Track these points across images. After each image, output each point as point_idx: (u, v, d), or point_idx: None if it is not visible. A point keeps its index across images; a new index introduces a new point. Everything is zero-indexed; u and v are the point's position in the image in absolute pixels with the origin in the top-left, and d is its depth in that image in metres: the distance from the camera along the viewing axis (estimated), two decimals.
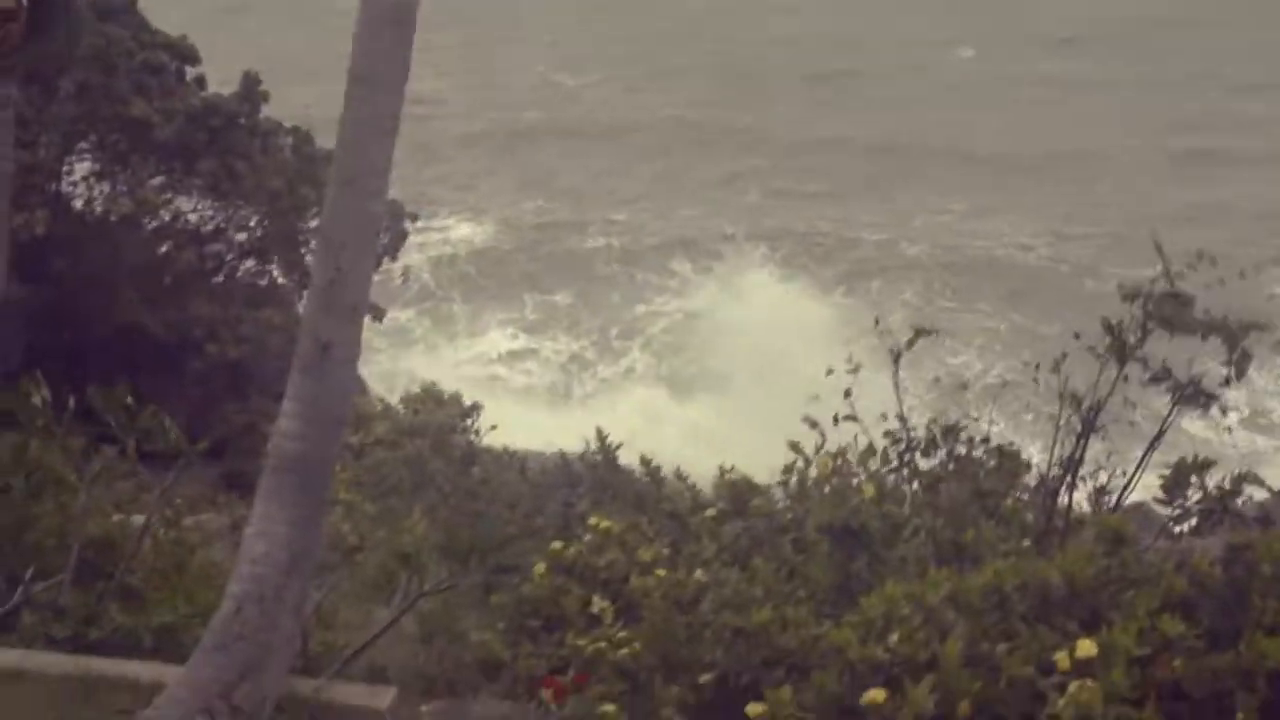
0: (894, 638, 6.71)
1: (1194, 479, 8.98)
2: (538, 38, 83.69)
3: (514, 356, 44.00)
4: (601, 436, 13.41)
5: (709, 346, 43.11)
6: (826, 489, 9.35)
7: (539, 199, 57.78)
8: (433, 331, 44.99)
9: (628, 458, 12.93)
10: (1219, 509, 8.78)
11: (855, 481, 9.46)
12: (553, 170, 61.49)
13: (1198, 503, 8.93)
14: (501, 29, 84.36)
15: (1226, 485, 8.88)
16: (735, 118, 67.49)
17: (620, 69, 77.74)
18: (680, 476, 11.56)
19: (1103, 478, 9.37)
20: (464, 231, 53.37)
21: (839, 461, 9.57)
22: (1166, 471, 9.01)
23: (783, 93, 71.47)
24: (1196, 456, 9.08)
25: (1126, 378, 9.17)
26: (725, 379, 40.60)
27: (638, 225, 54.29)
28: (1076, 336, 9.39)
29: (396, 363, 39.25)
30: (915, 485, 9.44)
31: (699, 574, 8.45)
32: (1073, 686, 6.29)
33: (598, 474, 13.43)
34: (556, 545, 9.60)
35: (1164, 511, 9.07)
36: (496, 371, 42.70)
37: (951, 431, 9.67)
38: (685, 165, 61.66)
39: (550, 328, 45.90)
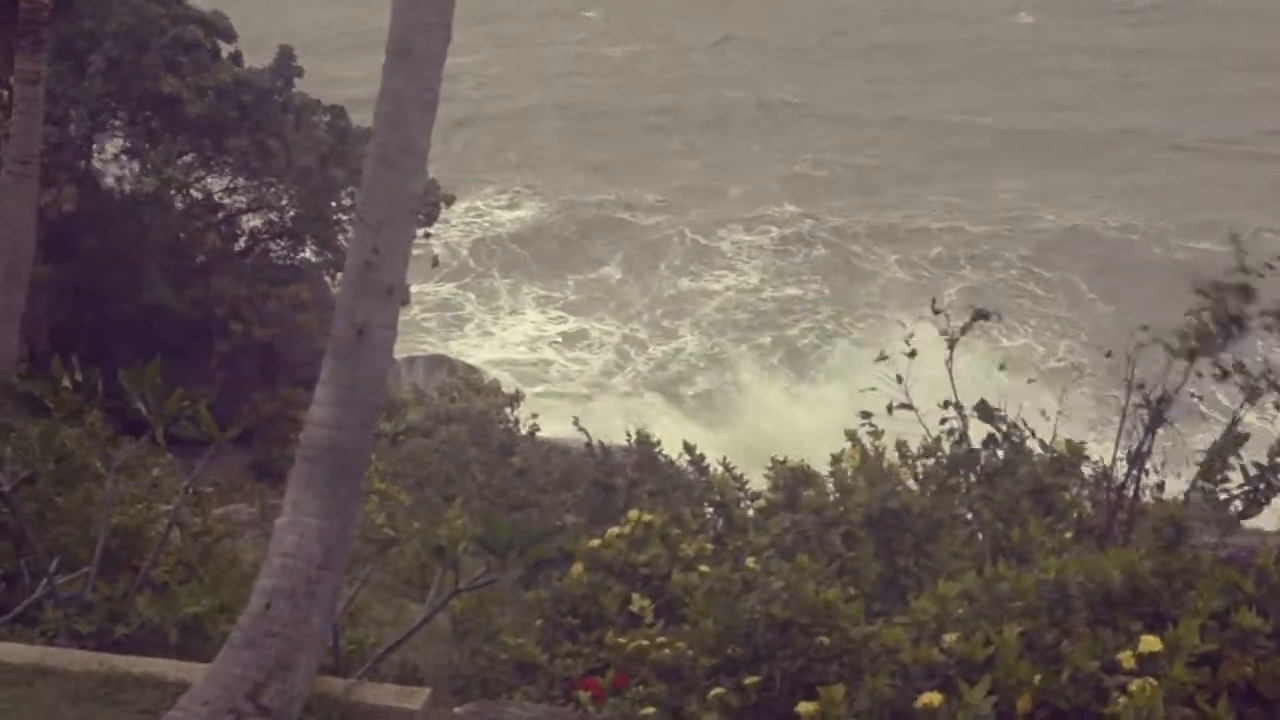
0: (949, 638, 6.69)
1: (1233, 459, 8.97)
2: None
3: (566, 339, 43.77)
4: (640, 431, 13.41)
5: (759, 325, 43.09)
6: (862, 479, 9.34)
7: (587, 175, 57.75)
8: (479, 311, 44.99)
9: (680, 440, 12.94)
10: (1264, 488, 8.73)
11: (891, 467, 9.45)
12: (600, 144, 61.46)
13: (1241, 485, 8.90)
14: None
15: (1266, 462, 8.84)
16: (788, 92, 67.23)
17: (666, 41, 77.57)
18: (727, 466, 11.52)
19: (1167, 473, 9.33)
20: (509, 211, 53.30)
21: (881, 451, 9.55)
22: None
23: (838, 66, 71.03)
24: (1234, 432, 9.05)
25: (1200, 374, 9.11)
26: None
27: (689, 201, 54.16)
28: (1145, 329, 9.30)
29: (445, 346, 39.31)
30: (971, 478, 9.39)
31: (750, 561, 8.43)
32: (1135, 685, 6.27)
33: (639, 464, 13.42)
34: (594, 541, 9.61)
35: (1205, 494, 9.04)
36: (544, 355, 42.55)
37: (1008, 424, 9.62)
38: (738, 140, 61.46)
39: (597, 309, 45.78)
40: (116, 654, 8.24)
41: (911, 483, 9.02)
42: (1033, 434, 9.48)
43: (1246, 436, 9.07)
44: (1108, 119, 61.48)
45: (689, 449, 12.45)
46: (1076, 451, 9.41)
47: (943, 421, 9.55)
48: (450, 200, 29.57)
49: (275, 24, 49.48)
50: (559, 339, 43.58)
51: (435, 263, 33.61)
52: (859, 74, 70.21)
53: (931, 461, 9.58)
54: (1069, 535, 8.44)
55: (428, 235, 28.66)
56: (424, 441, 20.17)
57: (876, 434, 9.86)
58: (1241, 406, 8.97)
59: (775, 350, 42.11)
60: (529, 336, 43.51)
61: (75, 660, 8.02)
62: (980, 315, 9.89)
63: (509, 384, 31.99)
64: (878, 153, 59.11)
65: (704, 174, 57.48)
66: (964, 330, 9.74)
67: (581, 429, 14.70)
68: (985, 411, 9.44)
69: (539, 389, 37.48)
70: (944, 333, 9.68)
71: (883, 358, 9.81)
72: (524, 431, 22.41)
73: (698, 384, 40.26)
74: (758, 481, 11.03)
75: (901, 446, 9.65)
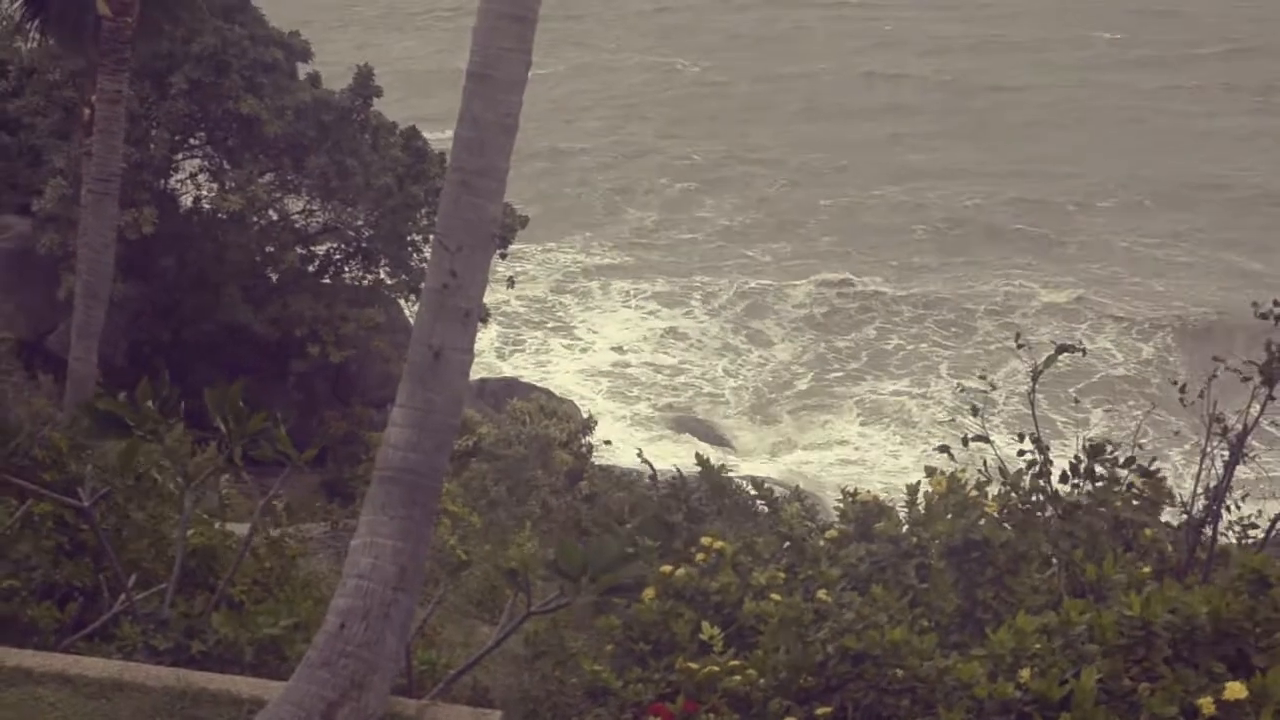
0: (1025, 674, 6.64)
1: None
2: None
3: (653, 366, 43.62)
4: (703, 459, 13.37)
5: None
6: (946, 509, 9.25)
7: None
8: (554, 336, 44.96)
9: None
10: None
11: (973, 499, 9.36)
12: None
13: None
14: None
15: None
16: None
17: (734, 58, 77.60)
18: (799, 496, 11.48)
19: (1248, 508, 9.19)
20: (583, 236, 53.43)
21: (961, 483, 9.47)
22: None
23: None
24: None
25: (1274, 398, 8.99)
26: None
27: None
28: (1218, 360, 9.19)
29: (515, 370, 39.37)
30: (1050, 512, 9.28)
31: (822, 593, 8.39)
32: None
33: (709, 492, 13.37)
34: (666, 567, 9.58)
35: None
36: (618, 378, 42.40)
37: (1096, 453, 9.48)
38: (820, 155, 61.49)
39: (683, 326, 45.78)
40: (193, 670, 8.31)
41: (994, 514, 8.90)
42: (1120, 465, 9.35)
43: None
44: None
45: (757, 484, 12.42)
46: (1159, 488, 9.28)
47: (1021, 454, 9.44)
48: (525, 222, 29.63)
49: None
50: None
51: (511, 283, 33.66)
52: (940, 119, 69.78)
53: (1012, 494, 9.45)
54: (1148, 570, 8.33)
55: (503, 256, 28.69)
56: (493, 464, 20.22)
57: (957, 468, 9.75)
58: None
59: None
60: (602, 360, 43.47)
61: (152, 676, 8.09)
62: (1063, 349, 9.78)
63: (597, 404, 32.09)
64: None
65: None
66: (1048, 363, 9.62)
67: (646, 461, 14.69)
68: (1095, 450, 9.29)
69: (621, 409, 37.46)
70: (1033, 367, 9.55)
71: (962, 389, 9.75)
72: (594, 456, 22.43)
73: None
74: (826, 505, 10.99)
75: (981, 479, 9.54)
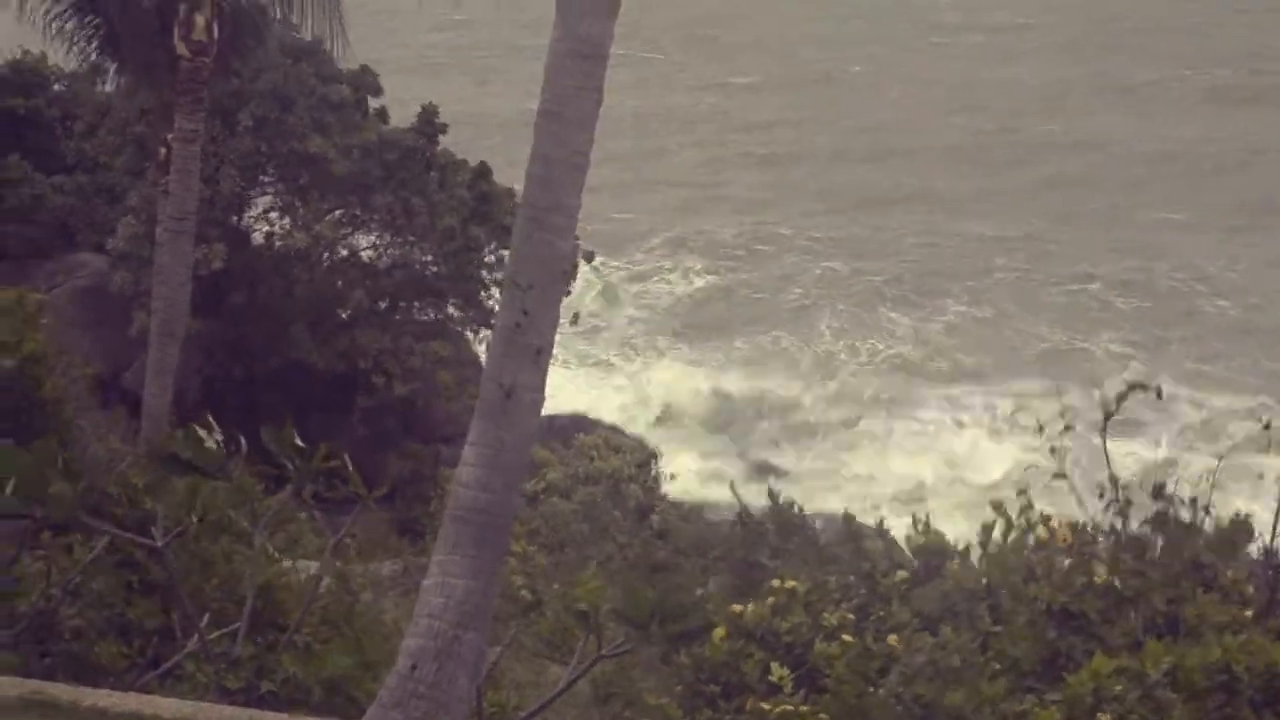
0: (1104, 718, 6.59)
1: None
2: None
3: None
4: (774, 494, 13.31)
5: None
6: (1039, 565, 9.17)
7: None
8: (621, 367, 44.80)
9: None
10: None
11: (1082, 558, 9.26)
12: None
13: None
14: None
15: None
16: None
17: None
18: (881, 533, 11.39)
19: None
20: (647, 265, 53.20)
21: (1051, 529, 9.39)
22: None
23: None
24: None
25: None
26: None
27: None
28: None
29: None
30: (1126, 554, 9.20)
31: (892, 639, 8.36)
32: None
33: (778, 532, 13.33)
34: (736, 607, 9.56)
35: None
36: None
37: (1162, 495, 9.42)
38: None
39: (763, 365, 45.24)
40: (265, 710, 8.34)
41: (1102, 573, 8.76)
42: (1205, 510, 9.25)
43: None
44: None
45: (849, 519, 12.35)
46: (1242, 527, 9.19)
47: (1101, 495, 9.37)
48: (591, 257, 29.64)
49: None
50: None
51: (575, 319, 33.65)
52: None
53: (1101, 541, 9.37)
54: (1245, 613, 8.24)
55: (568, 294, 28.69)
56: (563, 502, 20.23)
57: (1028, 507, 9.69)
58: None
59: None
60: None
61: (225, 715, 8.09)
62: (1136, 387, 9.72)
63: (662, 440, 31.96)
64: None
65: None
66: (1120, 402, 9.57)
67: (737, 496, 14.64)
68: (1158, 491, 9.22)
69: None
70: (1105, 409, 9.50)
71: (1040, 429, 9.70)
72: (662, 492, 22.38)
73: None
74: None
75: (1081, 531, 9.41)
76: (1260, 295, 49.22)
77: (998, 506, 9.99)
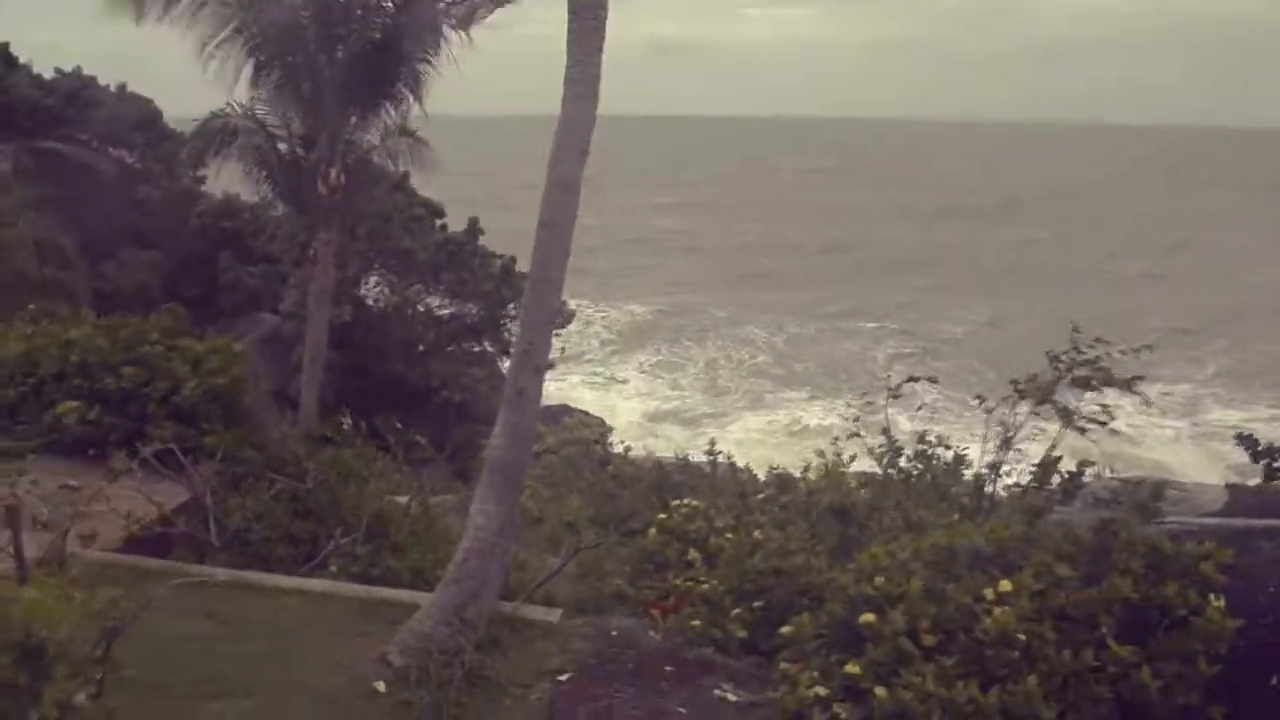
0: (879, 579, 6.63)
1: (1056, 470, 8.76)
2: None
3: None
4: (683, 455, 13.38)
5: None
6: (824, 483, 9.22)
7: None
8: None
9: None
10: (1072, 488, 8.51)
11: (845, 475, 9.32)
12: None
13: (1059, 485, 8.68)
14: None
15: (1072, 471, 8.61)
16: None
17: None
18: (748, 470, 11.37)
19: (1015, 475, 9.13)
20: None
21: (836, 461, 9.41)
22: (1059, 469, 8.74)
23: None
24: (1051, 454, 8.81)
25: (1037, 413, 8.88)
26: None
27: None
28: (1013, 384, 9.04)
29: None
30: (896, 477, 9.25)
31: (757, 534, 8.39)
32: (996, 611, 6.18)
33: (687, 472, 13.38)
34: (662, 516, 9.58)
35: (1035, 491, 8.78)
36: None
37: (922, 446, 9.48)
38: None
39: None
40: (374, 586, 8.33)
41: (855, 485, 8.82)
42: (943, 446, 9.28)
43: (1059, 458, 8.76)
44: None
45: (711, 454, 12.35)
46: (961, 460, 9.27)
47: (876, 444, 9.40)
48: (572, 315, 29.69)
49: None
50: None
51: (562, 351, 33.60)
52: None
53: (871, 470, 9.39)
54: (956, 517, 8.30)
55: (558, 335, 28.69)
56: (554, 458, 20.15)
57: (838, 452, 9.68)
58: (1058, 434, 8.71)
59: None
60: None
61: (349, 590, 8.11)
62: (912, 379, 9.72)
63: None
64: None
65: None
66: (899, 387, 9.56)
67: (662, 455, 14.71)
68: (920, 444, 9.27)
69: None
70: (888, 390, 9.48)
71: (850, 405, 9.74)
72: (616, 450, 22.27)
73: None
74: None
75: (835, 464, 9.38)
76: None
77: (819, 453, 10.04)
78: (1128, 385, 8.53)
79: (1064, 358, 8.69)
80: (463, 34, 16.14)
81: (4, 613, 3.43)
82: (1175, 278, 61.12)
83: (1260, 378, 42.64)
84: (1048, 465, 8.42)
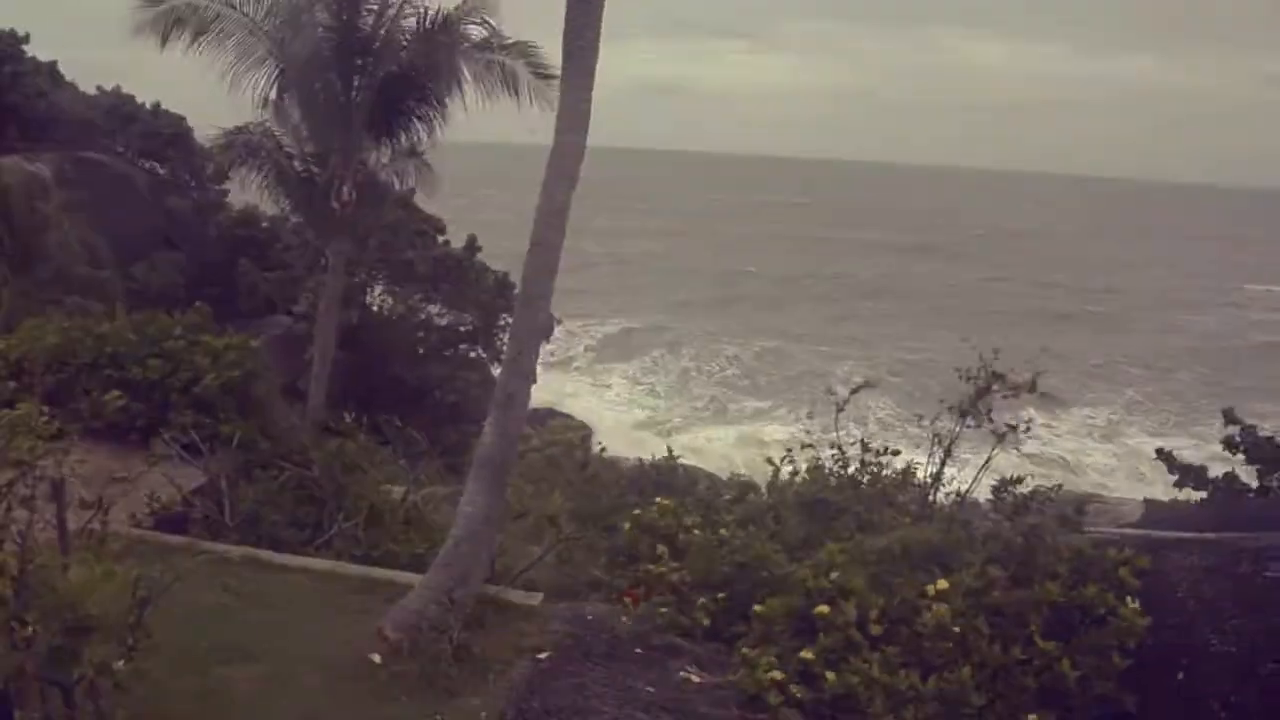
0: (833, 574, 6.69)
1: (1010, 488, 8.84)
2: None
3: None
4: (665, 456, 13.36)
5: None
6: (794, 485, 9.22)
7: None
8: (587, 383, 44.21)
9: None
10: (1025, 505, 8.58)
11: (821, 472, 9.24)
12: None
13: (1011, 501, 8.75)
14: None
15: (1027, 492, 8.68)
16: None
17: None
18: (713, 475, 11.35)
19: (956, 485, 9.16)
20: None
21: (797, 468, 9.40)
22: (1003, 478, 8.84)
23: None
24: (1012, 476, 8.92)
25: (971, 425, 8.89)
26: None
27: None
28: (942, 402, 9.10)
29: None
30: (845, 484, 9.26)
31: (723, 531, 8.41)
32: (935, 607, 6.26)
33: (660, 474, 13.35)
34: (636, 513, 9.58)
35: (992, 505, 8.88)
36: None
37: (870, 452, 9.50)
38: None
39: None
40: (373, 567, 8.32)
41: (834, 482, 8.79)
42: (891, 453, 9.30)
43: (1021, 479, 8.78)
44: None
45: (669, 460, 12.31)
46: (908, 472, 9.28)
47: (831, 451, 9.37)
48: (560, 321, 29.63)
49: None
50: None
51: (550, 358, 33.55)
52: None
53: (832, 472, 9.36)
54: (908, 520, 8.33)
55: (547, 341, 28.64)
56: (538, 456, 20.09)
57: (793, 461, 9.69)
58: (994, 447, 8.71)
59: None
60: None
61: (351, 570, 8.12)
62: (863, 386, 9.73)
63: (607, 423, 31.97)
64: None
65: None
66: (852, 394, 9.54)
67: (640, 458, 14.67)
68: (864, 448, 9.28)
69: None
70: (836, 403, 9.47)
71: (810, 416, 9.73)
72: (596, 452, 22.26)
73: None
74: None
75: (814, 466, 9.37)
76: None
77: (769, 461, 9.98)
78: (1031, 388, 8.53)
79: (976, 372, 8.69)
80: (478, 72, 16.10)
81: (52, 588, 3.48)
82: (1109, 317, 61.73)
83: (1180, 405, 43.14)
84: (1006, 483, 8.49)
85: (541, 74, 15.66)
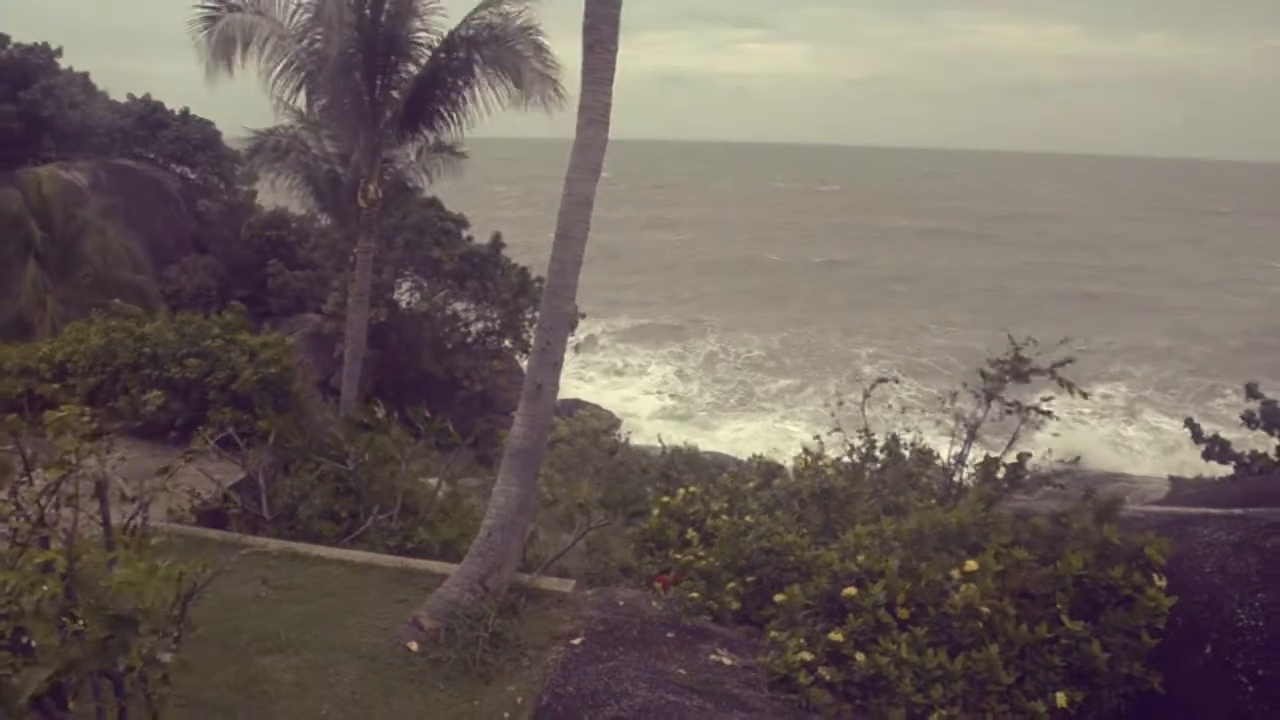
0: (860, 557, 6.69)
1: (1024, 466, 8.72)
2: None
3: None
4: (687, 444, 13.36)
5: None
6: (807, 473, 9.22)
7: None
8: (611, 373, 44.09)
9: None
10: (1039, 481, 8.50)
11: (825, 466, 9.31)
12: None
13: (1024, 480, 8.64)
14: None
15: (1041, 471, 8.60)
16: None
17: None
18: (738, 461, 11.34)
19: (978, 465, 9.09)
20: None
21: (819, 456, 9.41)
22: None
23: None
24: (1021, 454, 8.81)
25: (991, 405, 8.86)
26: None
27: None
28: (965, 385, 9.10)
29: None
30: (869, 472, 9.26)
31: (749, 517, 8.41)
32: (962, 588, 6.22)
33: (686, 461, 13.39)
34: (665, 499, 9.60)
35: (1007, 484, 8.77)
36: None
37: (894, 440, 9.49)
38: None
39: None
40: (408, 557, 8.38)
41: (833, 473, 8.83)
42: (909, 445, 9.32)
43: (1029, 455, 8.70)
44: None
45: (685, 449, 12.29)
46: (928, 453, 9.27)
47: (857, 438, 9.42)
48: (583, 315, 29.65)
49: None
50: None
51: (576, 349, 33.55)
52: None
53: (848, 461, 9.41)
54: (934, 501, 8.31)
55: (573, 333, 28.64)
56: (567, 446, 20.19)
57: (820, 446, 9.70)
58: (1018, 429, 8.67)
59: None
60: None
61: (387, 560, 8.15)
62: (883, 379, 9.74)
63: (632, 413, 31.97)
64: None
65: None
66: (873, 387, 9.58)
67: (663, 443, 14.72)
68: (892, 438, 9.28)
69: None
70: (864, 391, 9.50)
71: (827, 405, 9.72)
72: (623, 441, 22.32)
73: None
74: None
75: (817, 457, 9.38)
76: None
77: (805, 450, 10.02)
78: (1051, 373, 8.46)
79: (1003, 357, 8.65)
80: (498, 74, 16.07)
81: (99, 583, 3.55)
82: (1131, 298, 60.94)
83: (1208, 381, 42.59)
84: (990, 462, 8.43)
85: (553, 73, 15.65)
